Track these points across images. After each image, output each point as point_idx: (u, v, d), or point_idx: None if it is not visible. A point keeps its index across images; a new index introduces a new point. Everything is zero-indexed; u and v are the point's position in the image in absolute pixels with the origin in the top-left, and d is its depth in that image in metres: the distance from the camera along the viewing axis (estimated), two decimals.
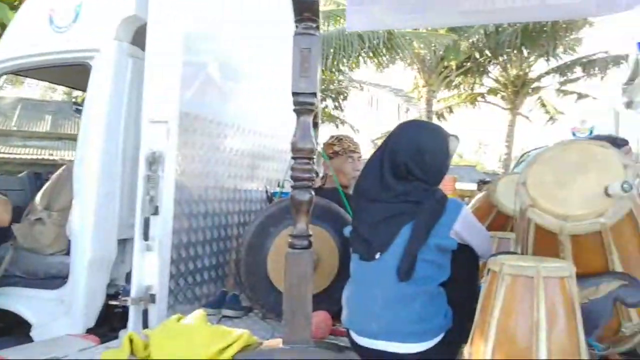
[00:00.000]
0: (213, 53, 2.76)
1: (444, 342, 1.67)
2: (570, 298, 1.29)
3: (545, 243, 1.49)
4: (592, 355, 1.51)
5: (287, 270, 1.67)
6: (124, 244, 2.57)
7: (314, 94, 1.66)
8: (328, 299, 2.20)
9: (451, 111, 19.14)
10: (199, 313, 1.81)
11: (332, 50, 9.02)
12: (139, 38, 2.50)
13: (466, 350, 1.39)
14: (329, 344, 1.92)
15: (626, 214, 1.40)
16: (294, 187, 1.70)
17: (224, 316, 2.38)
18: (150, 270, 2.11)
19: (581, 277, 1.47)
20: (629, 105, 6.90)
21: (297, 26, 1.70)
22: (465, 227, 1.71)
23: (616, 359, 1.65)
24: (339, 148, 2.85)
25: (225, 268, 2.76)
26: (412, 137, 1.80)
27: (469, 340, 1.40)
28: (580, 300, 1.42)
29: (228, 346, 1.62)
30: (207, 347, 1.58)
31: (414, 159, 1.75)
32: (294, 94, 1.65)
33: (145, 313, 2.08)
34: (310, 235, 1.71)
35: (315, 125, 2.59)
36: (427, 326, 1.66)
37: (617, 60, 13.78)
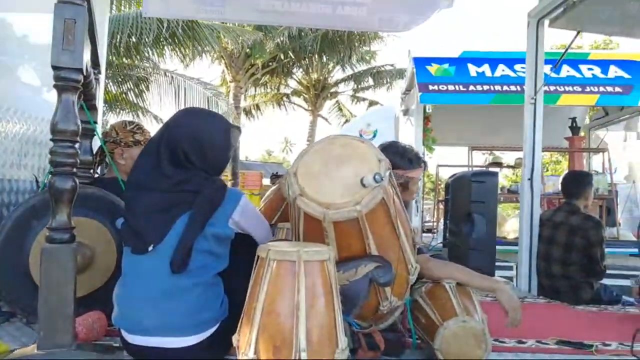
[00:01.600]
0: None
1: (219, 332, 1.66)
2: (329, 280, 1.38)
3: (313, 230, 1.57)
4: (350, 331, 1.66)
5: (43, 268, 1.49)
6: None
7: (79, 70, 1.50)
8: (104, 298, 2.02)
9: (259, 109, 19.58)
10: None
11: (129, 34, 8.46)
12: None
13: (234, 338, 1.40)
14: (95, 345, 1.77)
15: (379, 202, 1.55)
16: (53, 174, 1.52)
17: None
18: None
19: (344, 260, 1.61)
20: (405, 112, 7.84)
21: None
22: (244, 216, 1.73)
23: (377, 335, 1.82)
24: (142, 137, 2.60)
25: None
26: (192, 125, 1.75)
27: (238, 328, 1.41)
28: (341, 282, 1.54)
29: None
30: None
31: (192, 147, 1.71)
32: (55, 68, 1.48)
33: None
34: (72, 228, 1.55)
35: (93, 108, 2.37)
36: (203, 317, 1.64)
37: (401, 73, 15.61)
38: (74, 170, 1.55)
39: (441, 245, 4.80)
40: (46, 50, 2.88)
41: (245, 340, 1.33)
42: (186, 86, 12.45)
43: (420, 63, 6.62)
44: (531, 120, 3.64)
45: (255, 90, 19.12)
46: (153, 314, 1.61)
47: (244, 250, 1.77)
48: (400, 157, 2.31)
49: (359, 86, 18.57)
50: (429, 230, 7.62)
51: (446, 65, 6.70)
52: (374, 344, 1.81)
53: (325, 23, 4.18)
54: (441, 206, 8.50)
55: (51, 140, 1.54)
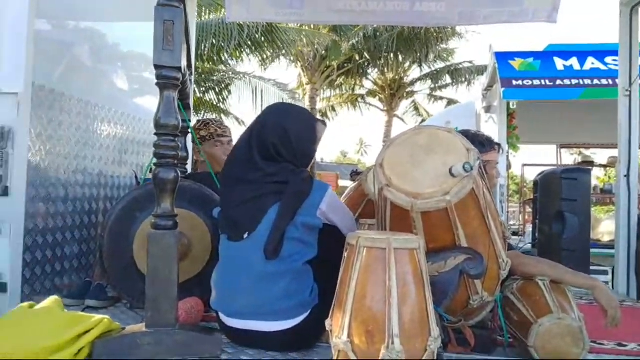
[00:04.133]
0: (80, 29, 2.59)
1: (311, 318, 1.72)
2: (419, 269, 1.39)
3: (401, 220, 1.59)
4: (442, 325, 1.65)
5: (149, 252, 1.62)
6: None
7: (178, 69, 1.62)
8: (200, 285, 2.16)
9: (334, 110, 19.72)
10: (52, 299, 1.67)
11: (212, 39, 8.84)
12: None
13: (327, 323, 1.44)
14: (195, 327, 1.89)
15: (469, 192, 1.54)
16: (157, 165, 1.64)
17: (88, 307, 2.24)
18: (0, 256, 1.92)
19: (432, 252, 1.61)
20: (487, 109, 7.61)
21: None
22: (330, 207, 1.79)
23: (467, 330, 1.80)
24: (206, 133, 2.78)
25: (90, 258, 2.60)
26: (279, 119, 1.83)
27: (330, 313, 1.45)
28: (431, 274, 1.54)
29: (86, 332, 1.52)
30: (59, 333, 1.46)
31: (281, 140, 1.79)
32: (157, 67, 1.60)
33: None
34: (175, 216, 1.67)
35: (188, 107, 2.53)
36: (294, 303, 1.70)
37: (481, 70, 15.12)
38: (176, 162, 1.66)
39: (530, 246, 4.62)
40: (137, 57, 3.11)
41: (338, 325, 1.37)
42: (263, 88, 12.79)
43: (503, 58, 6.40)
44: (626, 113, 3.42)
45: (331, 92, 19.27)
46: (248, 298, 1.70)
47: (331, 240, 1.83)
48: (471, 142, 2.27)
49: (437, 85, 18.19)
50: (515, 234, 7.33)
51: (530, 60, 6.43)
52: (464, 339, 1.78)
53: (403, 20, 4.14)
54: (528, 208, 8.15)
55: (155, 134, 1.66)
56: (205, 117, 2.92)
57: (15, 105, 1.94)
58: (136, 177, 2.94)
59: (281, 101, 12.75)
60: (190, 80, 2.52)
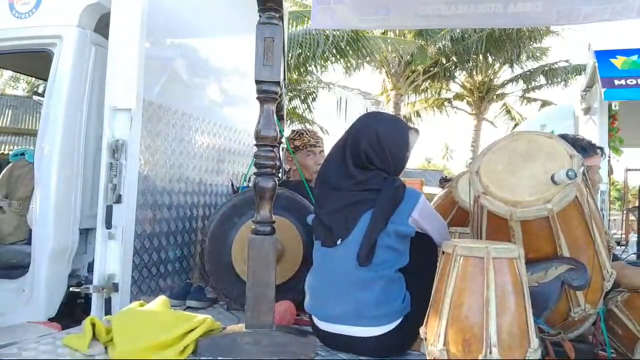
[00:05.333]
0: (179, 46, 2.77)
1: (403, 325, 1.73)
2: (519, 278, 1.35)
3: (498, 229, 1.55)
4: (541, 336, 1.59)
5: (250, 256, 1.70)
6: (86, 234, 2.54)
7: (277, 83, 1.70)
8: (292, 289, 2.24)
9: (419, 115, 19.42)
10: (161, 299, 1.81)
11: (298, 50, 9.07)
12: (102, 26, 2.49)
13: (422, 330, 1.44)
14: (291, 328, 1.96)
15: (572, 200, 1.48)
16: (257, 175, 1.72)
17: (188, 307, 2.39)
18: (113, 258, 2.10)
19: (532, 262, 1.55)
20: (586, 111, 7.15)
21: (260, 16, 1.74)
22: (423, 215, 1.78)
23: (567, 344, 1.72)
24: (299, 143, 2.88)
25: (190, 261, 2.77)
26: (372, 128, 1.86)
27: (425, 321, 1.45)
28: (530, 284, 1.49)
29: (192, 330, 1.63)
30: (170, 330, 1.59)
31: (373, 148, 1.81)
32: (257, 82, 1.68)
33: (108, 302, 2.07)
34: (273, 222, 1.75)
35: (281, 118, 2.63)
36: (386, 310, 1.72)
37: (577, 69, 14.25)
38: (274, 171, 1.74)
39: (635, 257, 4.29)
40: (231, 70, 3.27)
41: (433, 333, 1.37)
42: (346, 97, 12.88)
43: (603, 56, 5.99)
44: None
45: (415, 97, 19.00)
46: (341, 303, 1.74)
47: (422, 248, 1.83)
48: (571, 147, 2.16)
49: (529, 86, 17.32)
50: (618, 243, 6.82)
51: (635, 57, 5.97)
52: (563, 353, 1.70)
53: (495, 22, 4.00)
54: (631, 216, 7.55)
55: (255, 145, 1.75)
56: (300, 128, 3.07)
57: (128, 120, 2.12)
58: (232, 184, 3.10)
59: (366, 109, 12.79)
60: (284, 92, 2.62)
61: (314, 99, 12.79)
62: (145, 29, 2.20)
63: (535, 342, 1.33)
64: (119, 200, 2.09)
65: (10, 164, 2.70)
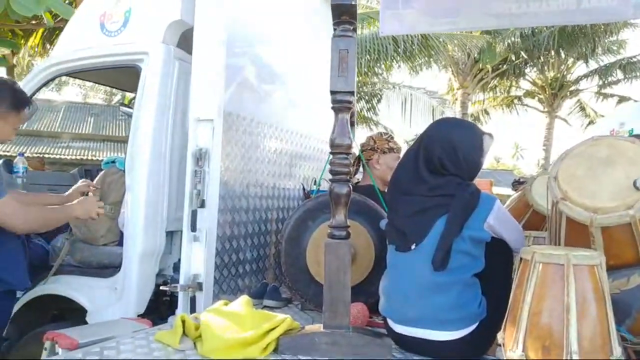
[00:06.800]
0: (254, 56, 2.89)
1: (479, 330, 1.74)
2: (600, 286, 1.34)
3: (577, 235, 1.54)
4: (623, 344, 1.55)
5: (326, 259, 1.77)
6: (171, 236, 2.72)
7: (352, 93, 1.76)
8: (364, 292, 2.29)
9: (487, 114, 18.91)
10: (244, 298, 1.92)
11: (366, 54, 9.09)
12: (184, 41, 2.65)
13: (499, 336, 1.46)
14: (366, 330, 2.01)
15: None
16: (332, 181, 1.79)
17: (265, 306, 2.49)
18: (197, 259, 2.23)
19: (613, 268, 1.53)
20: None
21: (335, 29, 1.81)
22: (498, 220, 1.78)
23: None
24: (395, 146, 2.93)
25: (265, 261, 2.89)
26: (446, 133, 1.88)
27: (502, 326, 1.46)
28: (611, 291, 1.47)
29: (273, 328, 1.72)
30: (255, 327, 1.69)
31: (447, 154, 1.83)
32: (332, 92, 1.75)
33: (192, 300, 2.20)
34: (348, 227, 1.81)
35: (352, 124, 2.69)
36: (462, 314, 1.73)
37: None
38: (349, 178, 1.80)
39: None
40: (301, 77, 3.36)
41: (511, 339, 1.38)
42: (412, 97, 12.76)
43: None
44: None
45: (483, 95, 18.52)
46: (416, 306, 1.77)
47: (498, 253, 1.83)
48: None
49: (605, 81, 16.45)
50: None
51: None
52: None
53: (568, 19, 3.85)
54: None
55: (330, 153, 1.82)
56: (383, 131, 3.14)
57: (211, 130, 2.26)
58: (303, 188, 3.20)
59: (432, 108, 12.62)
60: (354, 98, 2.68)
61: (379, 100, 12.77)
62: (226, 43, 2.33)
63: (617, 350, 1.31)
64: (202, 205, 2.23)
65: (103, 171, 2.92)
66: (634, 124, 6.89)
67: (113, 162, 2.96)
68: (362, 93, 12.18)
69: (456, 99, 15.79)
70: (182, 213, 2.29)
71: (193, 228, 2.21)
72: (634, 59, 15.09)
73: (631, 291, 1.51)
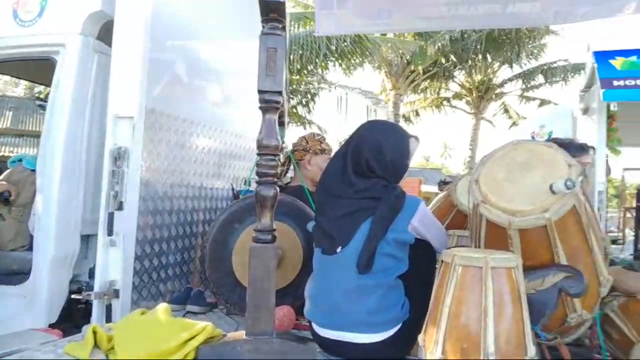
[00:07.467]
0: (181, 51, 2.78)
1: (402, 332, 1.74)
2: (517, 287, 1.37)
3: (496, 237, 1.57)
4: (537, 342, 1.61)
5: (250, 264, 1.71)
6: (87, 240, 2.56)
7: (279, 93, 1.71)
8: (292, 294, 2.26)
9: (417, 114, 19.46)
10: (162, 306, 1.82)
11: (300, 52, 9.08)
12: (105, 34, 2.50)
13: (420, 338, 1.46)
14: (291, 335, 1.98)
15: (570, 209, 1.49)
16: (258, 183, 1.74)
17: (188, 312, 2.40)
18: (114, 265, 2.12)
19: (529, 269, 1.57)
20: (585, 111, 7.18)
21: (263, 26, 1.75)
22: (422, 222, 1.79)
23: (563, 348, 1.74)
24: (327, 147, 2.90)
25: (190, 265, 2.78)
26: (374, 136, 1.87)
27: (423, 328, 1.47)
28: (527, 291, 1.51)
29: (192, 337, 1.64)
30: (171, 338, 1.60)
31: (375, 157, 1.82)
32: (260, 92, 1.70)
33: (108, 308, 2.09)
34: (274, 230, 1.76)
35: (282, 124, 2.64)
36: (386, 317, 1.73)
37: (576, 68, 14.26)
38: (276, 180, 1.76)
39: (631, 257, 4.31)
40: (231, 75, 3.28)
41: (431, 341, 1.39)
42: (347, 96, 12.87)
43: (602, 57, 6.00)
44: None
45: (415, 96, 19.04)
46: (341, 310, 1.75)
47: (421, 255, 1.85)
48: (567, 147, 2.21)
49: (528, 85, 17.37)
50: (614, 242, 6.88)
51: (634, 58, 5.98)
52: (559, 357, 1.72)
53: (494, 23, 4.02)
54: (628, 214, 7.59)
55: (257, 154, 1.76)
56: (315, 132, 3.09)
57: (131, 128, 2.14)
58: (233, 188, 3.11)
59: (367, 108, 12.79)
60: (285, 98, 2.63)
61: (313, 99, 12.79)
62: (149, 36, 2.22)
63: (532, 349, 1.35)
64: (120, 207, 2.11)
65: (8, 170, 2.72)
66: (553, 127, 7.30)
67: (20, 160, 2.76)
68: (296, 92, 12.15)
69: (389, 100, 16.11)
70: (98, 215, 2.16)
71: (110, 232, 2.09)
72: (554, 65, 16.02)
73: (546, 291, 1.56)
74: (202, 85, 3.04)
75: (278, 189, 1.76)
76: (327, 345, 1.83)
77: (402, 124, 17.60)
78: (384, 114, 14.31)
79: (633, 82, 5.72)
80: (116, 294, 2.09)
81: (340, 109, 12.87)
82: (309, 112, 12.90)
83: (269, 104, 1.71)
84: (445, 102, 19.52)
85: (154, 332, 1.64)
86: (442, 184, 4.00)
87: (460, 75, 18.30)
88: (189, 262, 2.77)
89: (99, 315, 2.08)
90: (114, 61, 2.21)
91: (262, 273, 1.70)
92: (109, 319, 2.07)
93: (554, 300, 1.58)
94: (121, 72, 2.18)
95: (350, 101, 12.95)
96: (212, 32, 3.04)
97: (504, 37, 14.09)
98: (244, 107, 3.34)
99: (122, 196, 2.11)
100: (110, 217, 2.09)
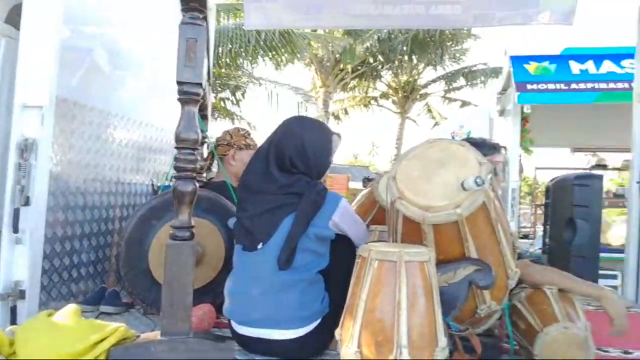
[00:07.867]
0: (99, 40, 2.65)
1: (321, 326, 1.76)
2: (429, 280, 1.42)
3: (412, 232, 1.62)
4: (449, 332, 1.67)
5: (167, 262, 1.65)
6: None
7: (200, 85, 1.66)
8: (213, 292, 2.22)
9: (346, 113, 19.75)
10: (71, 308, 1.72)
11: (230, 46, 8.92)
12: (13, 17, 2.34)
13: (337, 332, 1.48)
14: (209, 334, 1.94)
15: (480, 206, 1.56)
16: (177, 178, 1.68)
17: (102, 313, 2.29)
18: (19, 264, 1.98)
19: (442, 263, 1.63)
20: (501, 113, 7.57)
21: (183, 15, 1.70)
22: (343, 218, 1.82)
23: (474, 338, 1.82)
24: (252, 142, 2.84)
25: (105, 264, 2.66)
26: (297, 132, 1.87)
27: (340, 323, 1.49)
28: (440, 284, 1.57)
29: (103, 339, 1.57)
30: (78, 340, 1.51)
31: (298, 153, 1.83)
32: (179, 83, 1.64)
33: (13, 310, 1.95)
34: (192, 227, 1.71)
35: (204, 117, 2.58)
36: (306, 312, 1.74)
37: (496, 72, 15.02)
38: (195, 175, 1.71)
39: (540, 251, 4.61)
40: (153, 65, 3.17)
41: (348, 335, 1.41)
42: (277, 92, 12.81)
43: (518, 62, 6.36)
44: None
45: (344, 95, 19.32)
46: (261, 307, 1.74)
47: (342, 250, 1.87)
48: (480, 147, 2.32)
49: (450, 87, 18.13)
50: (526, 237, 7.32)
51: (546, 63, 6.38)
52: (471, 347, 1.81)
53: (418, 23, 4.15)
54: (539, 211, 8.12)
55: (175, 148, 1.70)
56: (240, 127, 3.02)
57: (40, 118, 2.00)
58: (152, 184, 3.01)
59: (298, 104, 12.79)
60: (208, 90, 2.57)
61: (242, 94, 12.61)
62: (61, 20, 2.08)
63: (443, 341, 1.40)
64: (27, 202, 1.98)
65: None
66: (471, 127, 7.63)
67: None
68: (225, 86, 11.93)
69: (319, 97, 16.24)
70: (3, 212, 2.01)
71: (15, 229, 1.95)
72: (475, 68, 16.82)
73: (457, 284, 1.62)
74: (121, 76, 2.91)
75: (197, 184, 1.71)
76: (246, 342, 1.81)
77: (331, 121, 17.81)
78: (314, 111, 14.38)
79: (545, 86, 6.10)
80: (22, 294, 1.96)
81: (271, 104, 12.79)
82: (238, 106, 12.71)
83: (188, 95, 1.66)
84: (373, 101, 19.94)
85: (60, 334, 1.54)
86: (366, 180, 4.08)
87: (387, 75, 18.78)
88: (104, 260, 2.64)
89: (2, 318, 1.94)
90: (22, 46, 2.05)
91: (178, 271, 1.65)
92: (13, 321, 1.93)
93: (464, 292, 1.64)
94: (30, 58, 2.03)
95: (281, 97, 12.90)
96: (133, 22, 2.92)
97: (429, 39, 14.62)
98: (167, 100, 3.23)
99: (29, 191, 1.98)
100: (16, 213, 1.95)
